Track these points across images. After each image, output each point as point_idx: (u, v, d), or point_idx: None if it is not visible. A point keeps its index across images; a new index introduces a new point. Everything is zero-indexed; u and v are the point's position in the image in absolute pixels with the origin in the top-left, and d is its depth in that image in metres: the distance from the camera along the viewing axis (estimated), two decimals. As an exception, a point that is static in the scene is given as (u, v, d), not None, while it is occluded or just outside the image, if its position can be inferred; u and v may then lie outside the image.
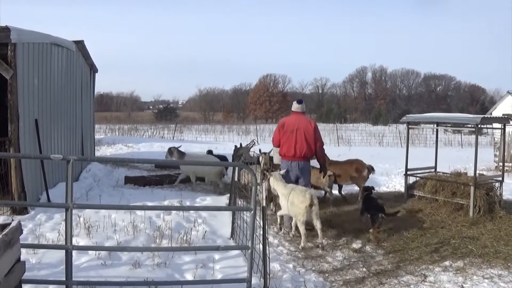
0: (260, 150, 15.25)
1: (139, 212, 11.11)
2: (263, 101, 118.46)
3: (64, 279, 6.70)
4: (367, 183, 14.19)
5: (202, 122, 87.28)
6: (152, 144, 30.27)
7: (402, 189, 15.64)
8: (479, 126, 13.41)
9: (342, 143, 40.82)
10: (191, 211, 11.78)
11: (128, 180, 16.28)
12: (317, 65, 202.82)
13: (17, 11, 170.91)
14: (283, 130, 11.90)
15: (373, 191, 12.41)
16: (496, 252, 9.93)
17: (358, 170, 14.74)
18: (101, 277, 7.57)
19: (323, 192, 14.80)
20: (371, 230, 10.93)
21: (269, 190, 11.93)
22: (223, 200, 13.59)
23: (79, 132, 17.38)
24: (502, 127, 14.62)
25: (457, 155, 29.09)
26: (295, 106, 12.28)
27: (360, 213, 11.93)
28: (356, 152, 30.82)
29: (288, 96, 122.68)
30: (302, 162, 11.85)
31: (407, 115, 15.88)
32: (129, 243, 9.24)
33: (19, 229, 5.44)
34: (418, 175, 15.35)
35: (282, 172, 11.59)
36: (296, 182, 11.75)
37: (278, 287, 7.88)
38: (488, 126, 16.23)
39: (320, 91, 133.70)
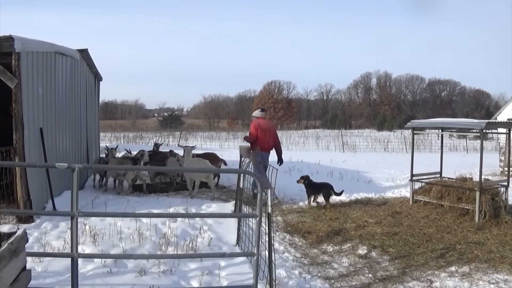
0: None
1: (144, 220, 11.13)
2: (268, 108, 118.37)
3: (70, 287, 6.71)
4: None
5: (207, 129, 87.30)
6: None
7: (408, 195, 15.61)
8: (484, 131, 13.37)
9: (347, 149, 40.77)
10: (197, 218, 11.80)
11: (134, 187, 16.28)
12: (321, 71, 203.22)
13: (21, 20, 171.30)
14: (260, 129, 15.75)
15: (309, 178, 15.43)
16: (502, 257, 9.90)
17: (213, 161, 17.37)
18: (107, 285, 7.60)
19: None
20: (326, 204, 14.61)
21: None
22: (229, 207, 13.60)
23: (84, 140, 17.44)
24: (507, 132, 14.60)
25: (463, 160, 29.00)
26: (260, 113, 16.38)
27: (307, 196, 15.09)
28: (361, 158, 30.84)
29: (292, 102, 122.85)
30: (269, 153, 15.99)
31: (412, 121, 15.86)
32: (135, 251, 9.26)
33: (24, 237, 5.45)
34: (423, 180, 15.33)
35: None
36: (266, 166, 14.62)
37: (284, 293, 7.90)
38: (493, 131, 16.19)
39: (325, 97, 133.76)
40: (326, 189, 14.81)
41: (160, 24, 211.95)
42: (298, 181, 15.29)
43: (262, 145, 15.61)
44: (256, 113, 16.40)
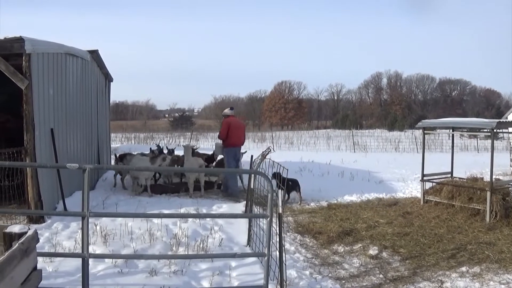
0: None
1: (155, 220, 11.14)
2: (279, 108, 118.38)
3: (81, 287, 6.73)
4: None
5: (218, 129, 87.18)
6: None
7: (419, 195, 15.58)
8: (494, 130, 13.34)
9: (358, 149, 40.66)
10: (208, 219, 11.80)
11: (145, 188, 16.30)
12: (332, 71, 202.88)
13: (32, 21, 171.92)
14: (232, 127, 16.59)
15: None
16: (513, 257, 9.87)
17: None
18: (117, 285, 7.62)
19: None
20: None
21: None
22: (240, 207, 13.59)
23: (95, 141, 17.46)
24: (518, 131, 14.56)
25: (473, 160, 28.83)
26: (231, 112, 17.27)
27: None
28: (372, 158, 30.77)
29: (303, 102, 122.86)
30: (241, 148, 17.26)
31: (423, 121, 15.83)
32: (146, 251, 9.28)
33: (35, 237, 5.47)
34: (434, 180, 15.29)
35: None
36: (238, 160, 16.98)
37: (295, 294, 7.89)
38: (504, 130, 16.15)
39: (335, 98, 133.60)
40: (293, 184, 15.70)
41: (170, 25, 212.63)
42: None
43: (235, 141, 16.79)
44: (227, 111, 17.40)
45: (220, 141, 17.12)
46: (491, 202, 12.76)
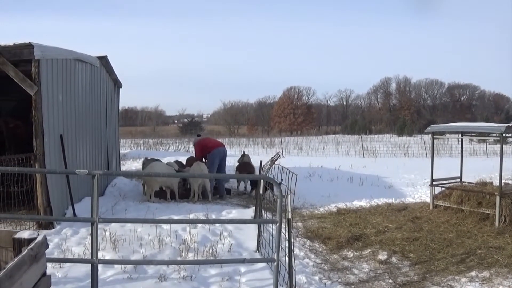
0: None
1: (165, 226, 11.14)
2: (288, 113, 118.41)
3: (90, 293, 6.74)
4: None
5: (227, 135, 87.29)
6: (178, 158, 30.22)
7: (428, 200, 15.54)
8: (504, 135, 13.31)
9: (367, 154, 40.57)
10: (217, 224, 11.79)
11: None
12: (341, 76, 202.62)
13: (41, 27, 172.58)
14: (203, 140, 18.11)
15: None
16: (522, 262, 9.84)
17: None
18: (127, 291, 7.61)
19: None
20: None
21: None
22: (249, 213, 13.59)
23: (104, 146, 17.47)
24: (528, 135, 14.52)
25: (483, 164, 28.71)
26: (198, 138, 18.53)
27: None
28: (382, 163, 30.70)
29: (312, 108, 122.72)
30: (224, 148, 17.99)
31: (432, 126, 15.83)
32: (155, 257, 9.28)
33: (44, 243, 5.47)
34: (443, 185, 15.26)
35: None
36: (221, 163, 17.51)
37: (304, 299, 7.88)
38: (513, 135, 16.11)
39: (344, 103, 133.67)
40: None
41: (180, 31, 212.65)
42: None
43: (215, 143, 18.05)
44: (196, 139, 18.84)
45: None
46: (501, 206, 12.74)
